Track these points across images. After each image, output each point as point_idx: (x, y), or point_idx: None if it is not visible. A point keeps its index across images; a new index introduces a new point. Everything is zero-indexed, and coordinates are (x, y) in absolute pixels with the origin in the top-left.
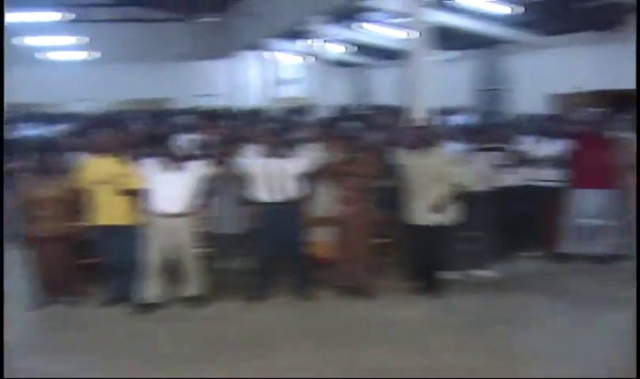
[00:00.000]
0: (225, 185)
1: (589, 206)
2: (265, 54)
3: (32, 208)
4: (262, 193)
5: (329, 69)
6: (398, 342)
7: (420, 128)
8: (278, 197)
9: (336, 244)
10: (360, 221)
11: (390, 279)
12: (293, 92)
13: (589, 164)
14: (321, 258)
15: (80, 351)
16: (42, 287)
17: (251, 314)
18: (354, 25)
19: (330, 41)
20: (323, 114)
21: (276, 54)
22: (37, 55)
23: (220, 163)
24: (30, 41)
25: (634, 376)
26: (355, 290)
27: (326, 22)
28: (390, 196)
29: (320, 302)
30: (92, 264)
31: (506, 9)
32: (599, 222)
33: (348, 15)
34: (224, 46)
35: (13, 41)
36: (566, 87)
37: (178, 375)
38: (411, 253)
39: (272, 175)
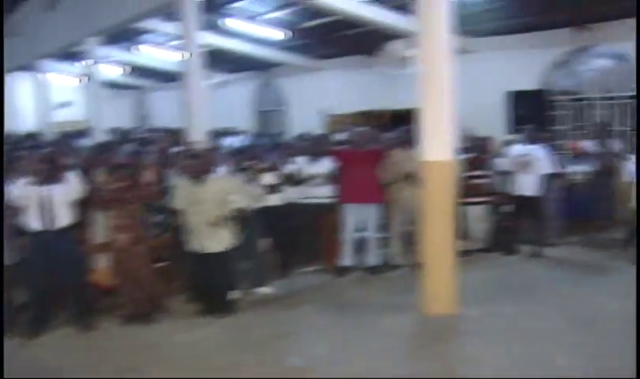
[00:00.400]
0: None
1: (359, 220)
2: (39, 75)
3: None
4: (33, 222)
5: (106, 91)
6: (183, 364)
7: (196, 157)
8: (50, 225)
9: (115, 271)
10: (137, 247)
11: (176, 302)
12: (69, 115)
13: (356, 180)
14: (103, 286)
15: None
16: None
17: (27, 351)
18: (131, 47)
19: (107, 63)
20: (100, 137)
21: (50, 75)
22: None
23: None
24: None
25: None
26: (139, 316)
27: (102, 43)
28: (170, 219)
29: (102, 332)
30: None
31: (278, 34)
32: (369, 234)
33: (124, 36)
34: None
35: None
36: (336, 107)
37: None
38: (194, 277)
39: (44, 203)
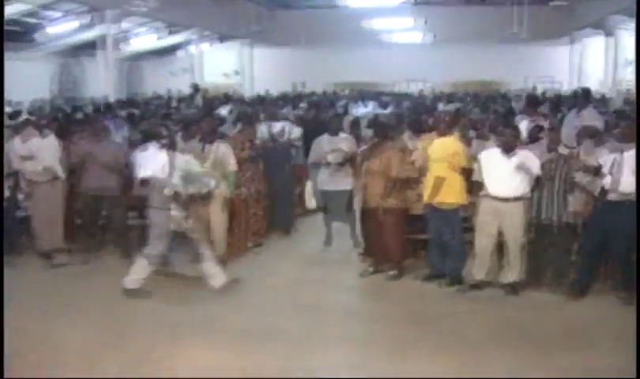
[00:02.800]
0: (557, 172)
1: None
2: (607, 34)
3: (366, 182)
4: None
5: None
6: None
7: None
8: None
9: None
10: None
11: None
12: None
13: None
14: None
15: (393, 322)
16: (370, 256)
17: (567, 308)
18: None
19: None
20: None
21: (620, 32)
22: (380, 37)
23: (551, 150)
24: (375, 24)
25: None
26: None
27: None
28: None
29: None
30: (418, 239)
31: None
32: None
33: None
34: (562, 28)
35: (361, 24)
36: None
37: (462, 360)
38: None
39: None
